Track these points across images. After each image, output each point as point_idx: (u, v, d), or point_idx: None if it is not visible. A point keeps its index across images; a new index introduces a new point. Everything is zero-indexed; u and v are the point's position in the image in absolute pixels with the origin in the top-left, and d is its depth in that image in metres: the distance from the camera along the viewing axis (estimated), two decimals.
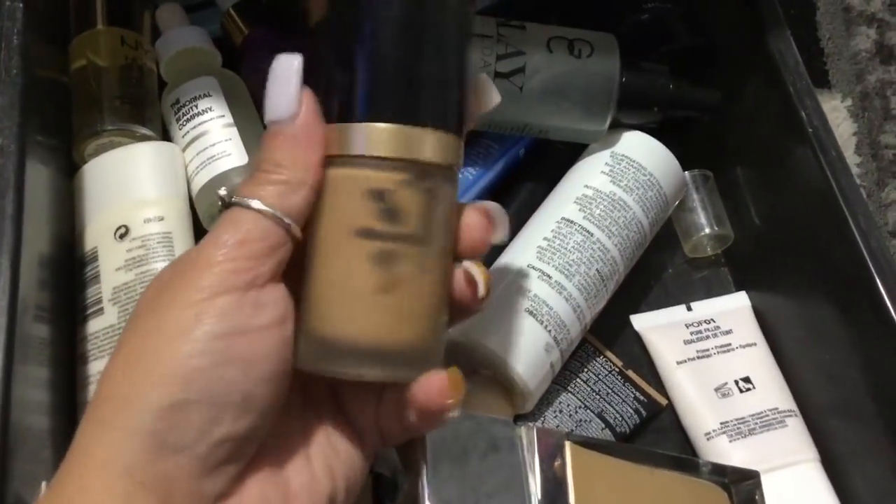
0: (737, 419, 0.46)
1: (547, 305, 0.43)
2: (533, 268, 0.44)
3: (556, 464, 0.34)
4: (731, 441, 0.45)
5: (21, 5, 0.42)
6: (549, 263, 0.44)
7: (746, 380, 0.48)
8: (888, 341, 0.41)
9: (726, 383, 0.48)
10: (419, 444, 0.33)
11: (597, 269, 0.45)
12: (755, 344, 0.49)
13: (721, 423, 0.46)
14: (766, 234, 0.51)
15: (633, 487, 0.37)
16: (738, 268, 0.53)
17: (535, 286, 0.43)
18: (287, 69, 0.29)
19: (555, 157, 0.51)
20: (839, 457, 0.46)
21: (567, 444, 0.35)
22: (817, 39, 0.66)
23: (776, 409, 0.47)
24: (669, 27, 0.51)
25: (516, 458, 0.34)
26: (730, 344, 0.49)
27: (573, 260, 0.44)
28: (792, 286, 0.49)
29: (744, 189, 0.52)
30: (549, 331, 0.43)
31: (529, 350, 0.42)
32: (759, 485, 0.39)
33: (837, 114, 0.63)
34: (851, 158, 0.62)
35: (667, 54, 0.50)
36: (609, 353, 0.49)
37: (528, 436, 0.34)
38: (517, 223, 0.47)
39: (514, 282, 0.44)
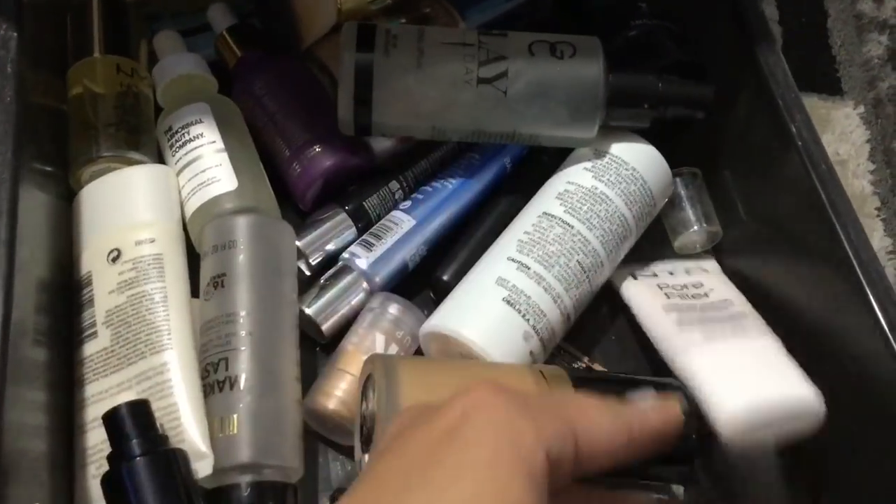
0: None
1: (525, 295, 0.44)
2: (512, 259, 0.45)
3: None
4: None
5: (15, 34, 0.43)
6: (528, 255, 0.45)
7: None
8: (883, 360, 0.41)
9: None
10: None
11: (577, 261, 0.45)
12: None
13: None
14: (755, 234, 0.51)
15: None
16: (728, 265, 0.53)
17: (514, 277, 0.44)
18: None
19: (540, 169, 0.51)
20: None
21: None
22: (829, 46, 0.66)
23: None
24: (658, 43, 0.51)
25: None
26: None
27: (552, 251, 0.45)
28: (781, 286, 0.49)
29: (733, 190, 0.52)
30: (528, 319, 0.44)
31: (507, 338, 0.43)
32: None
33: (850, 121, 0.63)
34: (865, 165, 0.62)
35: (656, 70, 0.50)
36: (586, 359, 0.50)
37: None
38: (498, 232, 0.48)
39: (493, 273, 0.45)
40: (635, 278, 0.50)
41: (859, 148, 0.62)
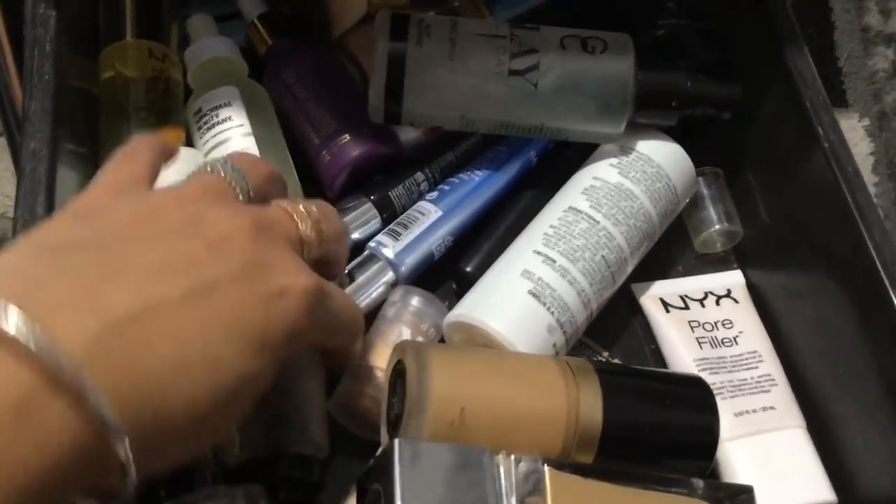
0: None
1: (550, 288, 0.44)
2: (538, 253, 0.45)
3: (535, 491, 0.33)
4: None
5: (53, 13, 0.43)
6: (553, 249, 0.45)
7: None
8: None
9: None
10: (388, 470, 0.33)
11: (602, 256, 0.46)
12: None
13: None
14: (776, 233, 0.51)
15: None
16: (748, 264, 0.54)
17: (540, 270, 0.44)
18: None
19: (566, 164, 0.51)
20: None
21: (546, 470, 0.34)
22: (835, 59, 0.66)
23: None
24: (686, 43, 0.52)
25: (492, 485, 0.33)
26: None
27: (578, 246, 0.45)
28: (802, 287, 0.49)
29: (756, 191, 0.53)
30: (552, 312, 0.44)
31: (531, 330, 0.43)
32: (753, 499, 0.39)
33: (855, 133, 0.64)
34: (868, 178, 0.62)
35: (685, 69, 0.50)
36: (605, 354, 0.50)
37: (504, 462, 0.34)
38: (523, 225, 0.48)
39: (519, 266, 0.45)
40: (667, 310, 0.50)
41: (863, 160, 0.63)
